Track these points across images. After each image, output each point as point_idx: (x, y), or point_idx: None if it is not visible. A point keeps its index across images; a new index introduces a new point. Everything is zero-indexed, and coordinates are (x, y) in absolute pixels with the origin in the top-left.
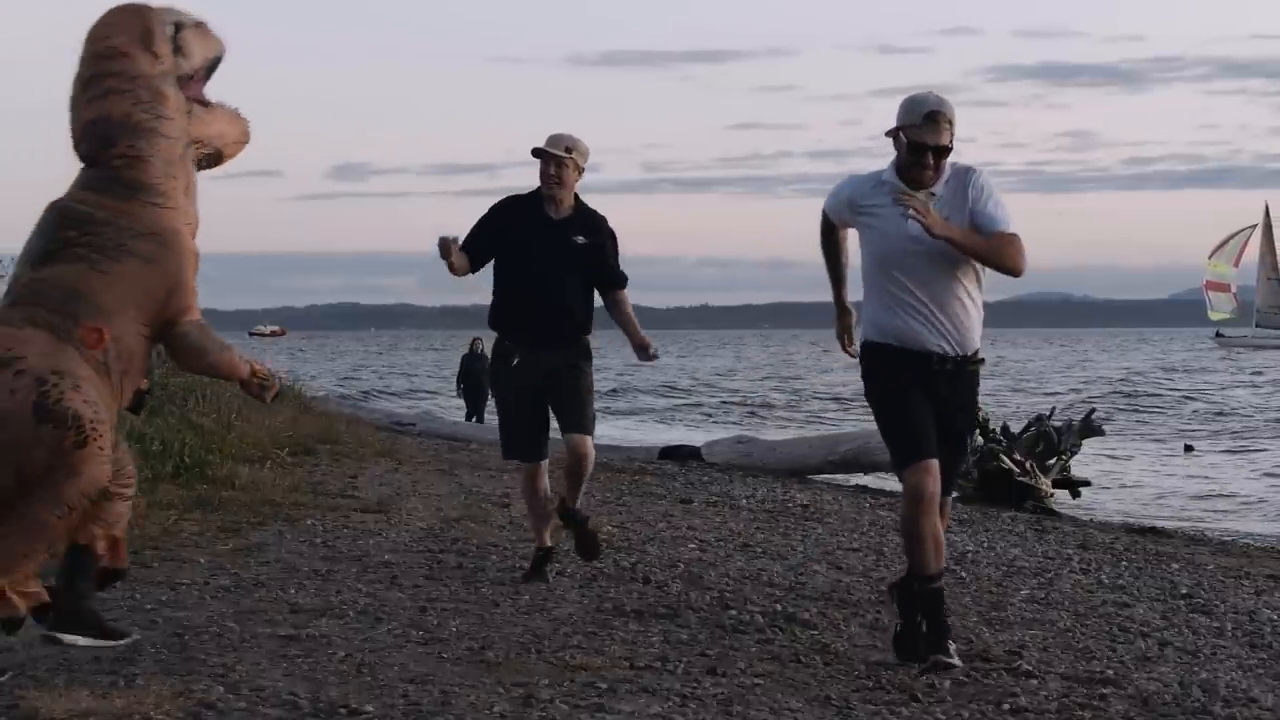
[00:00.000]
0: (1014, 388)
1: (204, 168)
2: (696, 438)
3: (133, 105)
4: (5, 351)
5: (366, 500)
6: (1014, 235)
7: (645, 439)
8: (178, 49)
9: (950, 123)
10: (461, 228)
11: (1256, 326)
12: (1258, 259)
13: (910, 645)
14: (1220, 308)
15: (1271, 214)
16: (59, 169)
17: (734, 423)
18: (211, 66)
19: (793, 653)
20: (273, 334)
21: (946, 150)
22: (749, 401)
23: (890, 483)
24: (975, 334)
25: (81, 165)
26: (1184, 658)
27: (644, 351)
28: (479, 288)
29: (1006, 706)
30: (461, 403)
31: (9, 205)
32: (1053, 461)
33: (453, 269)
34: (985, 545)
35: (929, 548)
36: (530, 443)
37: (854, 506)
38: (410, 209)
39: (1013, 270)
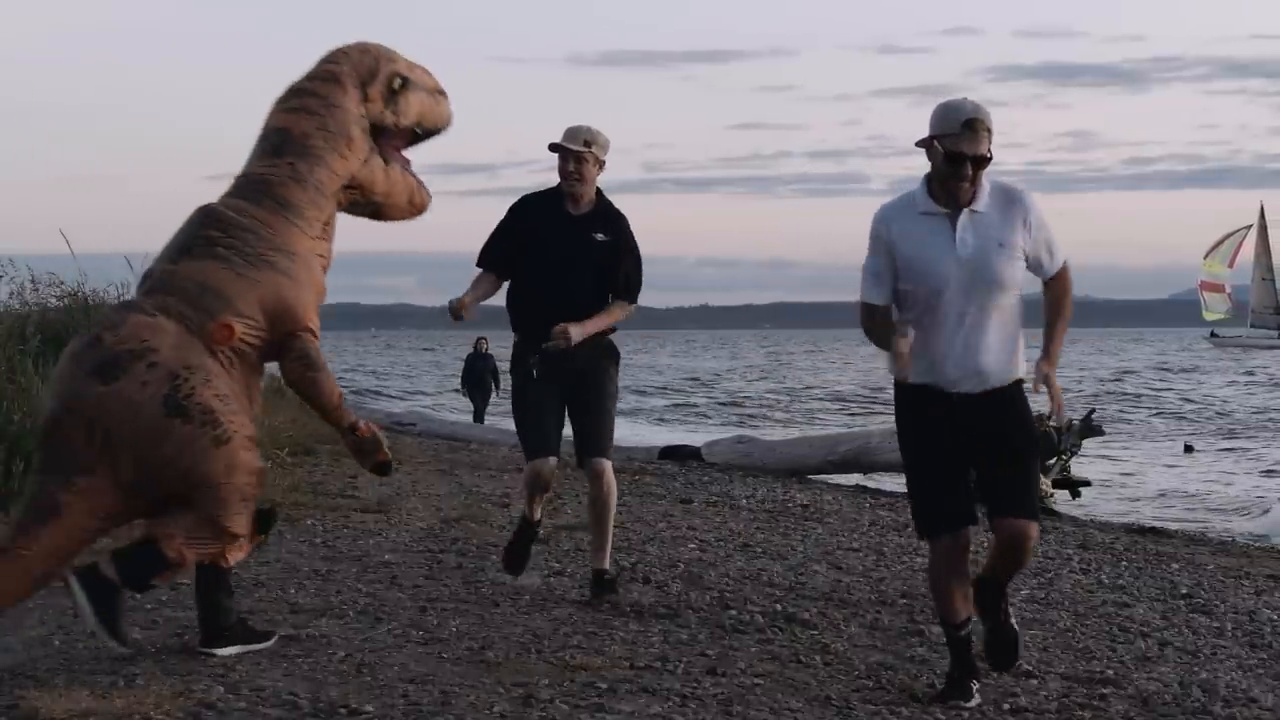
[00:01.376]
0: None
1: (359, 214)
2: (696, 438)
3: (316, 129)
4: (139, 343)
5: (366, 500)
6: (1067, 266)
7: (645, 439)
8: (394, 102)
9: (989, 131)
10: (461, 227)
11: (1251, 327)
12: (1252, 259)
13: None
14: (1215, 308)
15: (1267, 214)
16: (57, 169)
17: (734, 423)
18: (426, 134)
19: (793, 653)
20: None
21: (986, 160)
22: (739, 400)
23: (890, 482)
24: (1016, 364)
25: (241, 173)
26: (1184, 658)
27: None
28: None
29: (1006, 706)
30: (464, 403)
31: (8, 205)
32: (1053, 462)
33: (465, 317)
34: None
35: (956, 599)
36: (541, 435)
37: (854, 506)
38: None
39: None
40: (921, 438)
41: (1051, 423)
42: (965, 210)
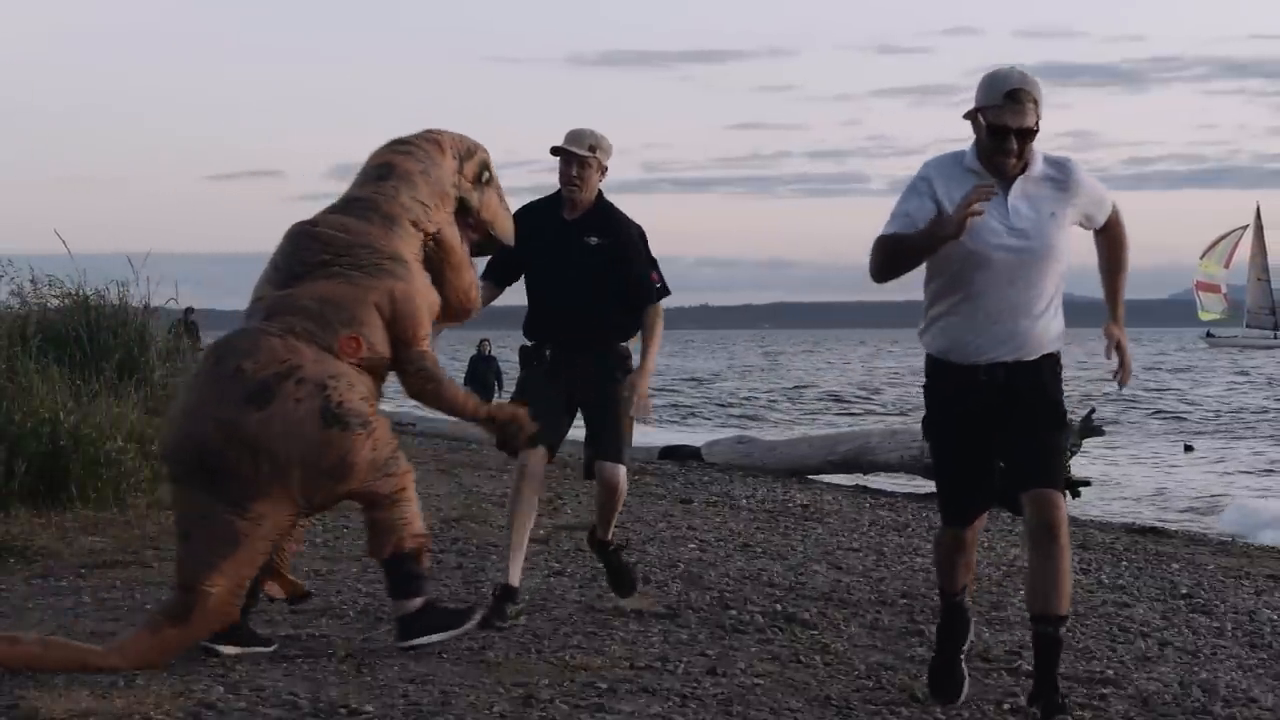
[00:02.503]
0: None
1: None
2: (696, 438)
3: (420, 171)
4: (281, 364)
5: None
6: (1117, 211)
7: (645, 439)
8: (480, 188)
9: (1035, 101)
10: None
11: (1247, 327)
12: (1248, 260)
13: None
14: (1210, 308)
15: (1263, 215)
16: (57, 169)
17: (734, 423)
18: (490, 239)
19: (793, 653)
20: None
21: (1031, 133)
22: (739, 400)
23: (889, 482)
24: (1056, 335)
25: (344, 196)
26: (1184, 658)
27: (636, 403)
28: None
29: (1006, 706)
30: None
31: (8, 206)
32: None
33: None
34: (985, 545)
35: (959, 571)
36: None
37: (854, 506)
38: None
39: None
40: (952, 426)
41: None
42: (1020, 179)
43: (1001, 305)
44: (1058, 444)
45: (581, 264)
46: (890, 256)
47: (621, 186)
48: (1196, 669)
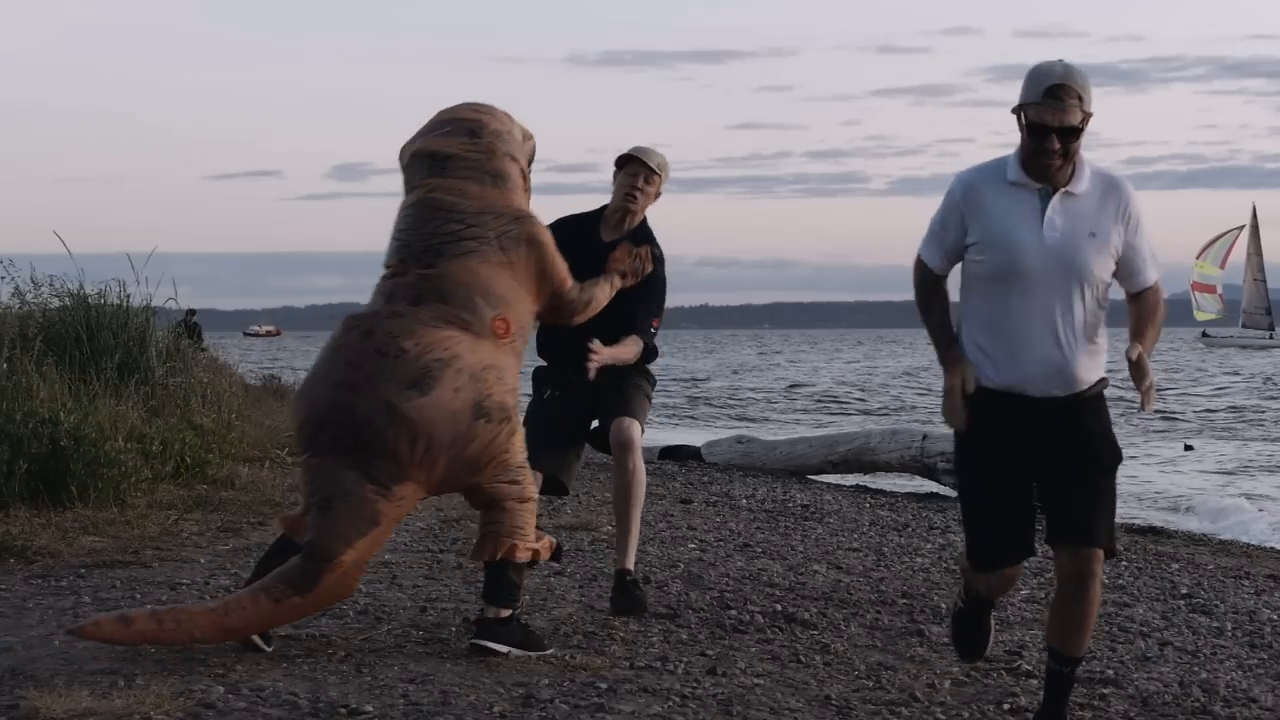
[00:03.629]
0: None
1: None
2: (696, 438)
3: (505, 132)
4: (444, 350)
5: None
6: (1158, 285)
7: (645, 439)
8: (528, 178)
9: (1080, 98)
10: None
11: (1243, 327)
12: (1244, 260)
13: None
14: (1206, 308)
15: (1259, 215)
16: (56, 169)
17: (734, 423)
18: None
19: (793, 653)
20: (268, 334)
21: (1076, 132)
22: (738, 399)
23: (889, 482)
24: (1100, 362)
25: (430, 165)
26: (1184, 658)
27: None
28: None
29: (1006, 706)
30: None
31: (7, 206)
32: None
33: None
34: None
35: (981, 635)
36: (546, 446)
37: (854, 506)
38: None
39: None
40: (984, 461)
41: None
42: (1060, 191)
43: (1036, 331)
44: (1110, 487)
45: (621, 303)
46: (921, 309)
47: None
48: (1196, 669)
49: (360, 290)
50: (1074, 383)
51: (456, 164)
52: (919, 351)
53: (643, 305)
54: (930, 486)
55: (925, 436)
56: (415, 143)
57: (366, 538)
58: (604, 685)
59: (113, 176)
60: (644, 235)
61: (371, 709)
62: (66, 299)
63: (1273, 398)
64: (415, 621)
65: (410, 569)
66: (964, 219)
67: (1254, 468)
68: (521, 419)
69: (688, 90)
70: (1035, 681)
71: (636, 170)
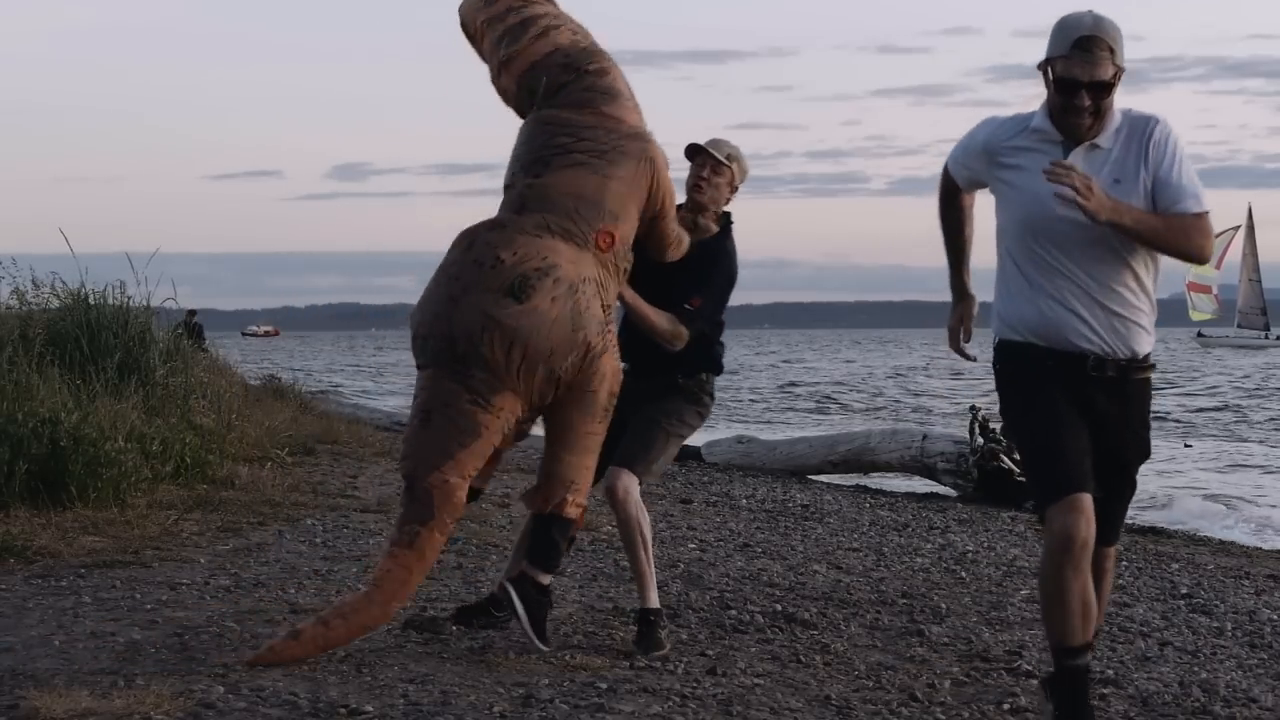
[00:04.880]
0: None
1: None
2: (696, 437)
3: (572, 35)
4: (542, 259)
5: (366, 500)
6: (1201, 216)
7: None
8: None
9: (1112, 50)
10: (460, 227)
11: (1238, 327)
12: (1239, 260)
13: None
14: (1202, 308)
15: (1255, 215)
16: (55, 169)
17: (734, 423)
18: None
19: (793, 653)
20: (266, 334)
21: (1107, 87)
22: (738, 399)
23: (889, 482)
24: (1144, 332)
25: (543, 98)
26: (1184, 658)
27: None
28: None
29: (1006, 706)
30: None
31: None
32: None
33: None
34: (985, 545)
35: (1075, 610)
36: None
37: (854, 506)
38: (410, 209)
39: (1196, 259)
40: (1036, 395)
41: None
42: (1085, 144)
43: (1063, 284)
44: (1130, 487)
45: (669, 286)
46: (939, 215)
47: None
48: (1196, 669)
49: (360, 290)
50: (1118, 342)
51: (569, 94)
52: (917, 351)
53: (687, 282)
54: (930, 486)
55: (925, 436)
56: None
57: (467, 449)
58: (604, 685)
59: (113, 176)
60: (715, 242)
61: (371, 709)
62: (67, 299)
63: (1265, 397)
64: (415, 621)
65: None
66: (982, 167)
67: (1247, 467)
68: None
69: (687, 90)
70: (1035, 681)
71: (704, 161)
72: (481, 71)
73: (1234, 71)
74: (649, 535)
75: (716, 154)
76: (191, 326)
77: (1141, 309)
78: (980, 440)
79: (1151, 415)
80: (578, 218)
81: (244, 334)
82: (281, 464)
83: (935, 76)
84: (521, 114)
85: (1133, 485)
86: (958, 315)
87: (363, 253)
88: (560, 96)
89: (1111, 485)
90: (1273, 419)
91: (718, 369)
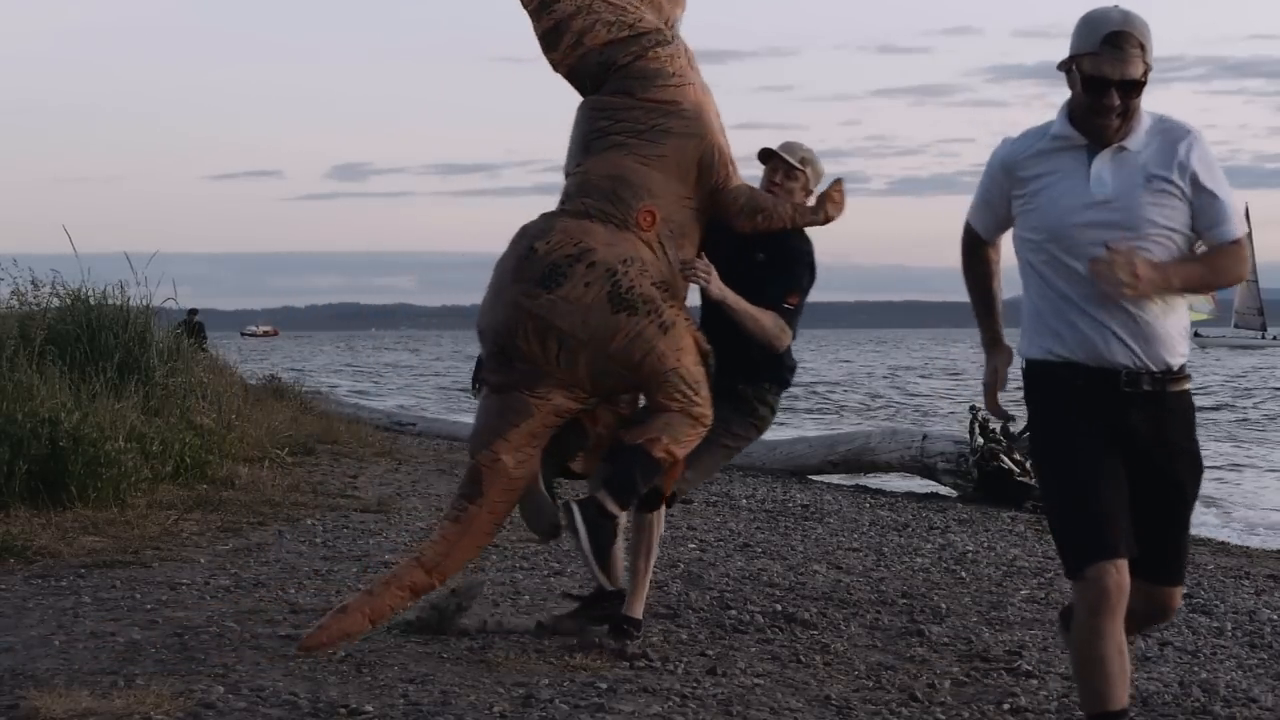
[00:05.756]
0: (1014, 388)
1: None
2: None
3: (609, 30)
4: (574, 245)
5: (366, 500)
6: (1240, 243)
7: None
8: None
9: (1142, 47)
10: (460, 227)
11: (1235, 327)
12: None
13: None
14: (1199, 309)
15: (1251, 216)
16: (55, 168)
17: None
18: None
19: (793, 653)
20: (265, 334)
21: (1138, 85)
22: None
23: (890, 482)
24: (1179, 342)
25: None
26: (1184, 658)
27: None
28: None
29: (1006, 706)
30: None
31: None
32: None
33: None
34: (985, 545)
35: (1115, 672)
36: None
37: (854, 506)
38: (410, 209)
39: (1234, 285)
40: (1068, 430)
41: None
42: (1113, 146)
43: (1098, 296)
44: (1188, 521)
45: (741, 282)
46: (964, 271)
47: None
48: (1196, 669)
49: (360, 290)
50: (1151, 354)
51: (616, 80)
52: (916, 352)
53: (777, 276)
54: (930, 486)
55: (925, 436)
56: None
57: (519, 430)
58: (604, 685)
59: (113, 176)
60: (782, 236)
61: (371, 709)
62: (67, 298)
63: (1263, 398)
64: (415, 621)
65: None
66: (1005, 192)
67: (1245, 467)
68: (684, 341)
69: None
70: (1035, 681)
71: (776, 166)
72: (481, 71)
73: (1234, 71)
74: (656, 547)
75: (790, 159)
76: (193, 326)
77: (1175, 319)
78: (980, 440)
79: (1198, 429)
80: (616, 199)
81: (243, 334)
82: (281, 464)
83: (935, 76)
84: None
85: (1187, 505)
86: (992, 369)
87: (363, 253)
88: (604, 89)
89: (1165, 512)
90: (1271, 419)
91: (783, 382)
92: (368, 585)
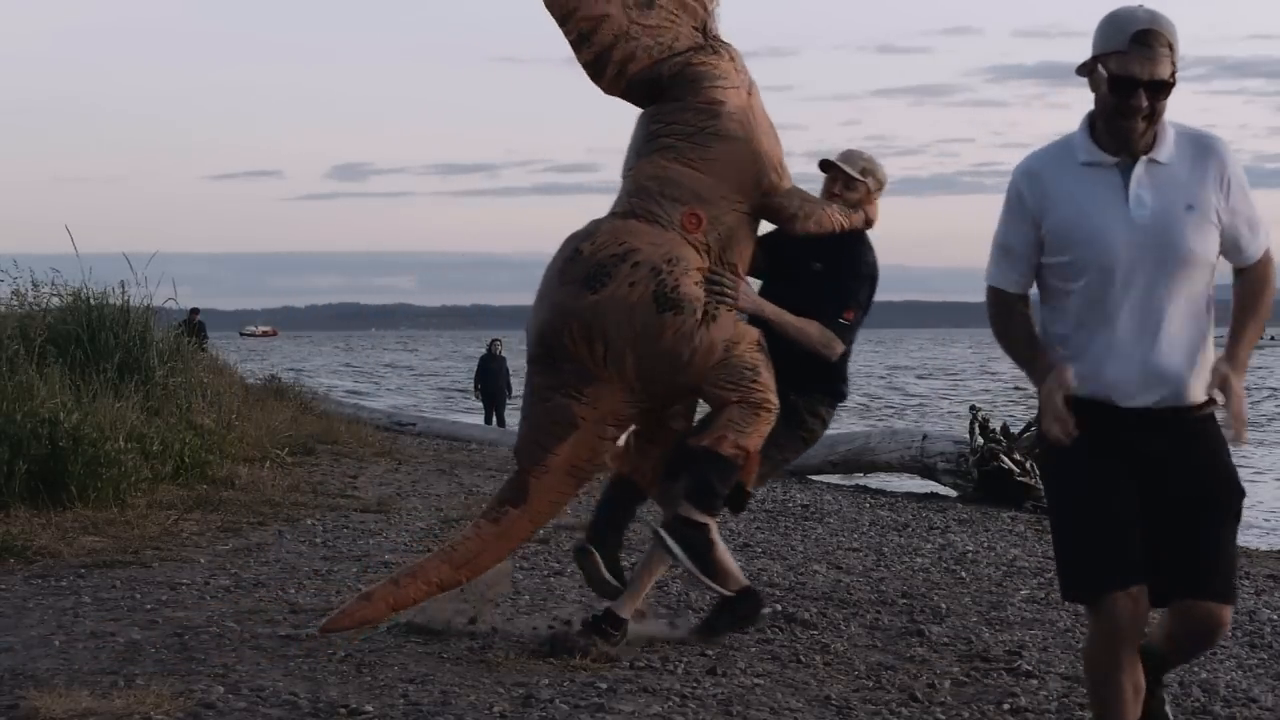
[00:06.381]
0: (1013, 388)
1: None
2: None
3: (649, 53)
4: (618, 245)
5: (366, 500)
6: (1269, 255)
7: None
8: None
9: (1171, 47)
10: (459, 227)
11: None
12: None
13: None
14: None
15: None
16: (56, 168)
17: None
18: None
19: (793, 653)
20: (264, 334)
21: (1166, 87)
22: None
23: (891, 482)
24: (1204, 371)
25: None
26: None
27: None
28: None
29: (1006, 706)
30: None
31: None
32: None
33: None
34: (985, 545)
35: (1128, 698)
36: None
37: (854, 506)
38: (410, 209)
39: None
40: (1081, 461)
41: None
42: (1142, 160)
43: (1135, 328)
44: (1230, 535)
45: (792, 288)
46: (999, 338)
47: None
48: (1196, 669)
49: (360, 290)
50: (1180, 391)
51: (670, 94)
52: (915, 353)
53: (833, 289)
54: (930, 486)
55: (925, 436)
56: None
57: (566, 441)
58: (604, 685)
59: (113, 176)
60: (838, 240)
61: (371, 709)
62: (68, 298)
63: (1261, 398)
64: (415, 621)
65: None
66: (1034, 217)
67: (1241, 467)
68: (742, 336)
69: None
70: (1035, 681)
71: (835, 177)
72: (481, 71)
73: (1234, 71)
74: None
75: (850, 170)
76: (194, 325)
77: (1203, 350)
78: (980, 440)
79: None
80: (662, 199)
81: (241, 334)
82: (281, 464)
83: (935, 76)
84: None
85: (1221, 529)
86: (1057, 377)
87: (363, 253)
88: (659, 100)
89: (1200, 530)
90: (1270, 419)
91: (837, 394)
92: (391, 575)
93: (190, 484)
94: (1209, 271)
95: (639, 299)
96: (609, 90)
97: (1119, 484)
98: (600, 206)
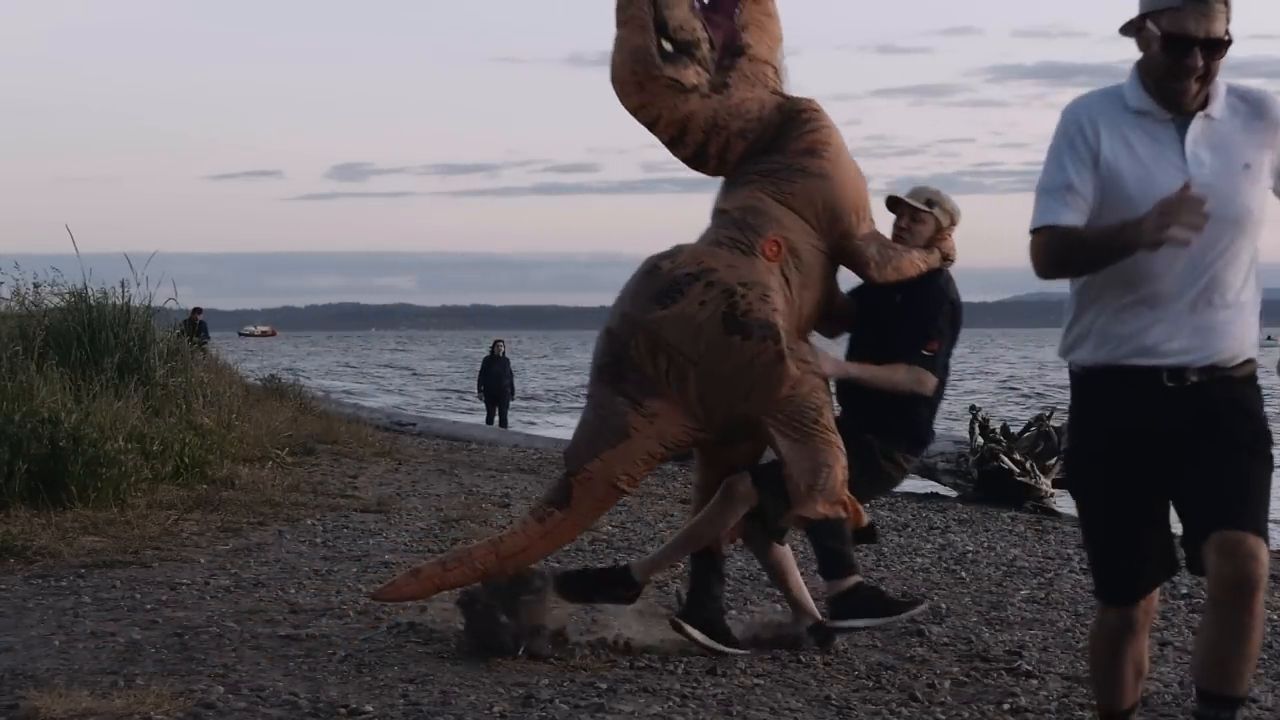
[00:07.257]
0: (1013, 388)
1: None
2: None
3: (716, 110)
4: (696, 265)
5: (366, 500)
6: None
7: None
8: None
9: (1226, 4)
10: (460, 227)
11: None
12: None
13: None
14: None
15: None
16: (56, 168)
17: None
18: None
19: (793, 653)
20: (263, 334)
21: (1222, 45)
22: None
23: None
24: (1251, 332)
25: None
26: (1184, 658)
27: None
28: None
29: (1006, 706)
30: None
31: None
32: (1053, 461)
33: None
34: (985, 545)
35: (1127, 677)
36: None
37: None
38: (410, 209)
39: None
40: (1116, 462)
41: (1052, 422)
42: (1199, 116)
43: (1184, 288)
44: (1262, 477)
45: (881, 326)
46: (1065, 262)
47: (622, 186)
48: None
49: (360, 290)
50: (1228, 352)
51: (756, 104)
52: None
53: (914, 322)
54: (930, 486)
55: None
56: None
57: (615, 449)
58: (604, 685)
59: (113, 176)
60: (920, 278)
61: (371, 709)
62: (68, 298)
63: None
64: (415, 621)
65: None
66: (1094, 154)
67: None
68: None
69: None
70: (1035, 681)
71: (902, 212)
72: (481, 71)
73: (1234, 71)
74: (792, 563)
75: (914, 203)
76: (195, 325)
77: (1253, 311)
78: (980, 440)
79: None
80: (744, 225)
81: (240, 334)
82: (281, 464)
83: (935, 76)
84: None
85: (1259, 474)
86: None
87: (363, 253)
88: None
89: (1234, 469)
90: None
91: (918, 442)
92: (440, 558)
93: (190, 484)
94: (1258, 231)
95: (708, 319)
96: (714, 175)
97: (1148, 487)
98: (600, 206)
